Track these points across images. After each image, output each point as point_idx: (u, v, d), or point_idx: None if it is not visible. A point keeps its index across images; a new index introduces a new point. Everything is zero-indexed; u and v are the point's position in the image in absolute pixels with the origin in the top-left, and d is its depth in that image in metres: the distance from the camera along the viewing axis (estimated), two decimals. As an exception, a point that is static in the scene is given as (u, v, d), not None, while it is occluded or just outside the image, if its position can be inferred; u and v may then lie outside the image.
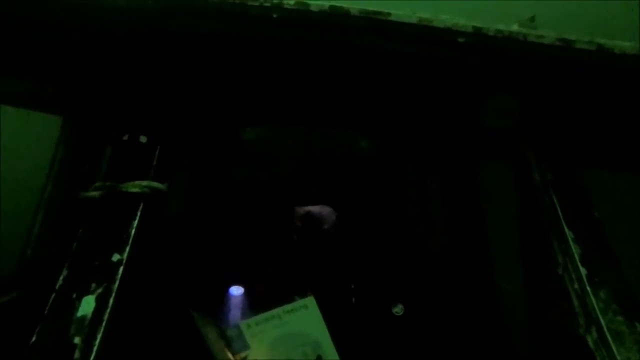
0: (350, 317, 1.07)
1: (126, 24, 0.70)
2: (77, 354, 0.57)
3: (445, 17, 0.70)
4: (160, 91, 0.92)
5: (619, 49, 0.68)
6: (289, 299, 0.94)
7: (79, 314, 0.62)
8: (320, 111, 1.12)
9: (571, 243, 0.74)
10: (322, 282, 1.06)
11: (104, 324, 0.61)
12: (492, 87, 0.81)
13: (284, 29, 0.69)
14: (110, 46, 0.77)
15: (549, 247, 0.83)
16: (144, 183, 0.78)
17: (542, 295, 0.98)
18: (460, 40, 0.69)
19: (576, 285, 0.71)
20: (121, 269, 0.68)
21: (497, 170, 1.36)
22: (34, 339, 0.59)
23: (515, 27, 0.73)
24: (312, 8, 0.66)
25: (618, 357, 0.62)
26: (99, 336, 0.60)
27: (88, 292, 0.64)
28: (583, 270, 0.70)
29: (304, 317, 0.92)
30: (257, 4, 0.66)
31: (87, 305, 0.63)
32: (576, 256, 0.72)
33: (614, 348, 0.63)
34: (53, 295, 0.64)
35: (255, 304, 0.98)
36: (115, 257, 0.69)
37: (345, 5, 0.67)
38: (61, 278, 0.66)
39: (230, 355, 0.87)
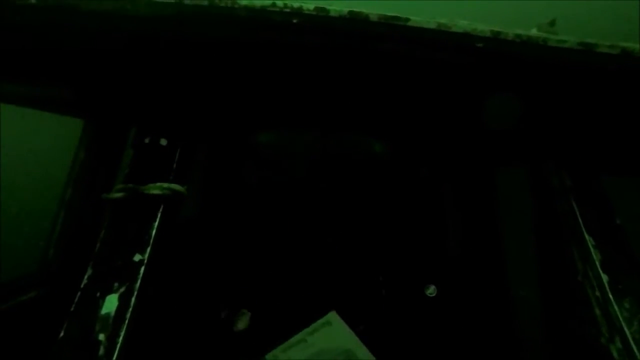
0: (383, 308, 1.06)
1: (149, 32, 0.72)
2: (101, 350, 0.59)
3: (463, 22, 0.70)
4: (180, 95, 0.94)
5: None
6: (308, 319, 0.94)
7: (103, 311, 0.63)
8: (336, 116, 1.13)
9: (591, 249, 0.73)
10: (346, 281, 1.06)
11: (126, 322, 0.63)
12: (512, 93, 0.81)
13: (303, 35, 0.70)
14: (132, 52, 0.79)
15: (567, 254, 0.82)
16: (165, 185, 0.80)
17: (559, 303, 0.96)
18: (479, 45, 0.69)
19: (597, 293, 0.70)
20: (142, 269, 0.69)
21: (512, 176, 1.35)
22: (61, 334, 0.61)
23: (534, 32, 0.73)
24: (332, 14, 0.67)
25: None
26: (122, 334, 0.61)
27: (111, 291, 0.66)
28: (605, 277, 0.69)
29: (329, 333, 0.92)
30: (277, 9, 0.67)
31: (110, 304, 0.65)
32: (597, 263, 0.71)
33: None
34: (78, 294, 0.66)
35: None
36: (137, 258, 0.71)
37: (364, 10, 0.68)
38: (86, 277, 0.68)
39: None
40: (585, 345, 0.76)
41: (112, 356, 0.59)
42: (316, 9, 0.67)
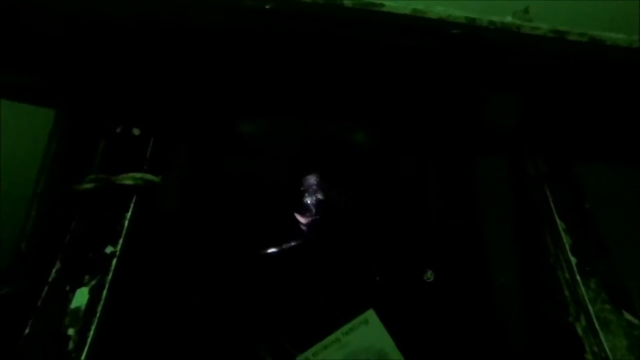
0: (379, 294, 1.05)
1: (118, 18, 0.69)
2: (71, 345, 0.58)
3: (439, 9, 0.70)
4: (154, 84, 0.92)
5: (611, 41, 0.68)
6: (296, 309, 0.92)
7: (73, 305, 0.62)
8: (316, 104, 1.12)
9: (562, 233, 0.75)
10: (337, 269, 1.06)
11: (97, 315, 0.61)
12: (488, 80, 0.81)
13: (277, 20, 0.69)
14: (102, 39, 0.76)
15: (541, 239, 0.83)
16: (138, 175, 0.78)
17: (536, 288, 0.99)
18: (455, 31, 0.69)
19: (567, 275, 0.72)
20: (115, 261, 0.68)
21: (492, 164, 1.37)
22: (27, 330, 0.59)
23: (508, 19, 0.73)
24: (305, -1, 0.66)
25: (605, 344, 0.63)
26: (92, 327, 0.60)
27: (82, 284, 0.64)
28: (573, 260, 0.71)
29: (366, 333, 0.90)
30: (249, -6, 0.65)
31: (81, 297, 0.63)
32: (567, 246, 0.73)
33: (601, 335, 0.64)
34: (46, 288, 0.64)
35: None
36: (109, 250, 0.69)
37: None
38: (54, 270, 0.66)
39: None
40: (556, 327, 0.78)
41: (83, 351, 0.58)
42: None
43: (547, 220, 0.81)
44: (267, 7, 0.66)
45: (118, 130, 0.84)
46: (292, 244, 1.14)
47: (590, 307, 0.67)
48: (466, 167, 1.45)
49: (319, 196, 1.20)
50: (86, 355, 0.57)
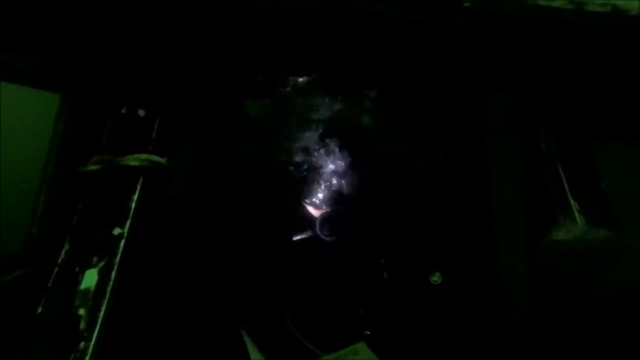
0: (384, 291, 1.05)
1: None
2: (82, 325, 0.58)
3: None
4: (158, 63, 0.90)
5: (637, 11, 0.64)
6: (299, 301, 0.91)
7: (83, 286, 0.62)
8: (323, 83, 1.10)
9: (576, 214, 0.73)
10: (342, 262, 1.05)
11: (107, 296, 0.62)
12: (500, 54, 0.78)
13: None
14: (104, 18, 0.74)
15: (553, 220, 0.82)
16: (144, 156, 0.77)
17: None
18: (466, 4, 0.66)
19: (580, 256, 0.70)
20: (122, 242, 0.68)
21: (502, 142, 1.34)
22: (39, 310, 0.60)
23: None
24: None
25: None
26: (103, 308, 0.60)
27: (90, 266, 0.65)
28: None
29: None
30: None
31: (90, 278, 0.64)
32: None
33: None
34: (56, 269, 0.65)
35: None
36: (117, 231, 0.69)
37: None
38: (63, 252, 0.66)
39: None
40: (566, 308, 0.77)
41: (94, 330, 0.58)
42: None
43: (560, 200, 0.79)
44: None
45: (123, 110, 0.83)
46: (301, 234, 1.12)
47: None
48: (476, 145, 1.41)
49: (329, 184, 1.19)
50: (97, 335, 0.58)
